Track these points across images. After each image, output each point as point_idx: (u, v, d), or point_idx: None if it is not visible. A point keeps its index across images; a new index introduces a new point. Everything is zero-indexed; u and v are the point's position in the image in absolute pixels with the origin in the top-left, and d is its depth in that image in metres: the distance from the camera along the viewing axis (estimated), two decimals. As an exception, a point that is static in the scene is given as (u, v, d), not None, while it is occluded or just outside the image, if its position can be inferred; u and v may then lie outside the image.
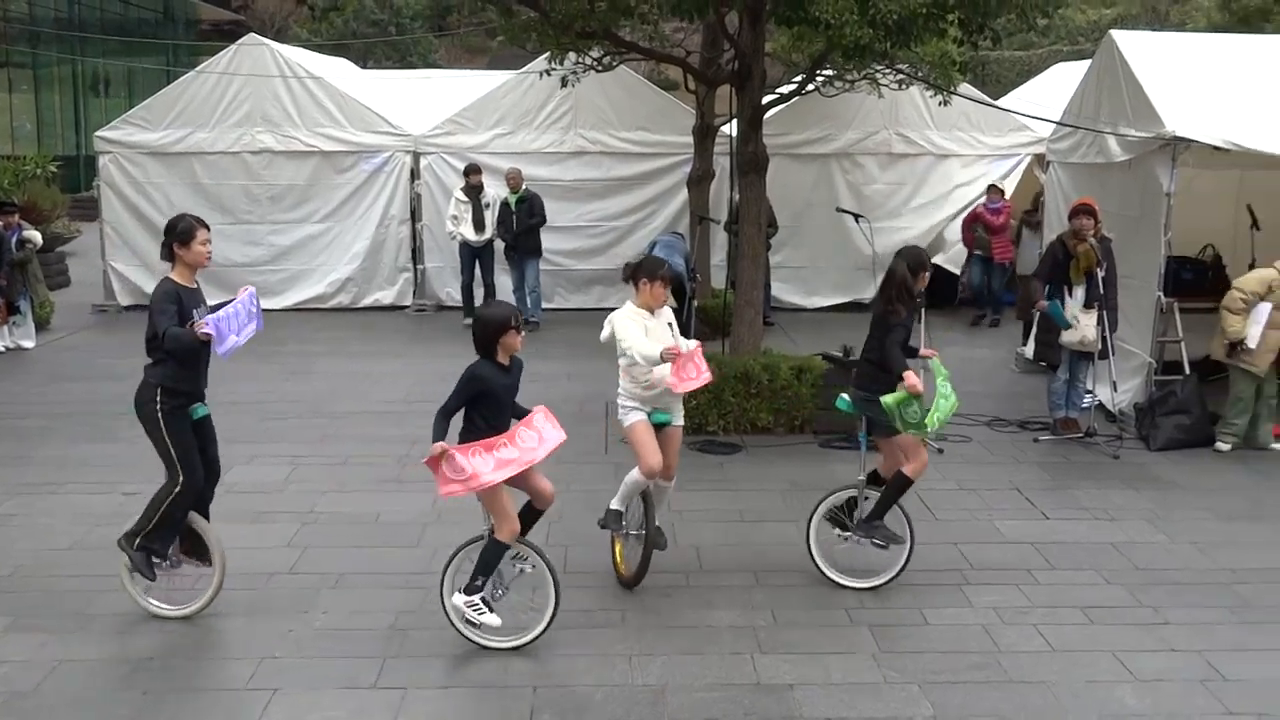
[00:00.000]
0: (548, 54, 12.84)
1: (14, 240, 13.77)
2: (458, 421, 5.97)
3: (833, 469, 9.41)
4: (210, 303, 6.43)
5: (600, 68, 13.50)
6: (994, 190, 15.92)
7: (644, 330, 6.67)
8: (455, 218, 15.27)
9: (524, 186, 15.31)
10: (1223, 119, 10.09)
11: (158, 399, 6.21)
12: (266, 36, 20.21)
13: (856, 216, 12.09)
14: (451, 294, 16.45)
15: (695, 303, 11.13)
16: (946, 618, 6.62)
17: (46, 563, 7.30)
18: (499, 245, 15.45)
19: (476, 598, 6.00)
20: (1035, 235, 14.92)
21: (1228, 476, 9.36)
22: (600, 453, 9.73)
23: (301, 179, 16.51)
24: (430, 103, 17.42)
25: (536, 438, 6.00)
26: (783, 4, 9.83)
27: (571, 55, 12.66)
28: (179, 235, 6.31)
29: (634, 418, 6.75)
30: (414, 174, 16.54)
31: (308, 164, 16.49)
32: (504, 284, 15.81)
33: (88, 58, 32.47)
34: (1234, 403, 9.94)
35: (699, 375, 6.81)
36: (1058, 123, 12.79)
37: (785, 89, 12.81)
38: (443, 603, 6.16)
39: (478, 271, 15.47)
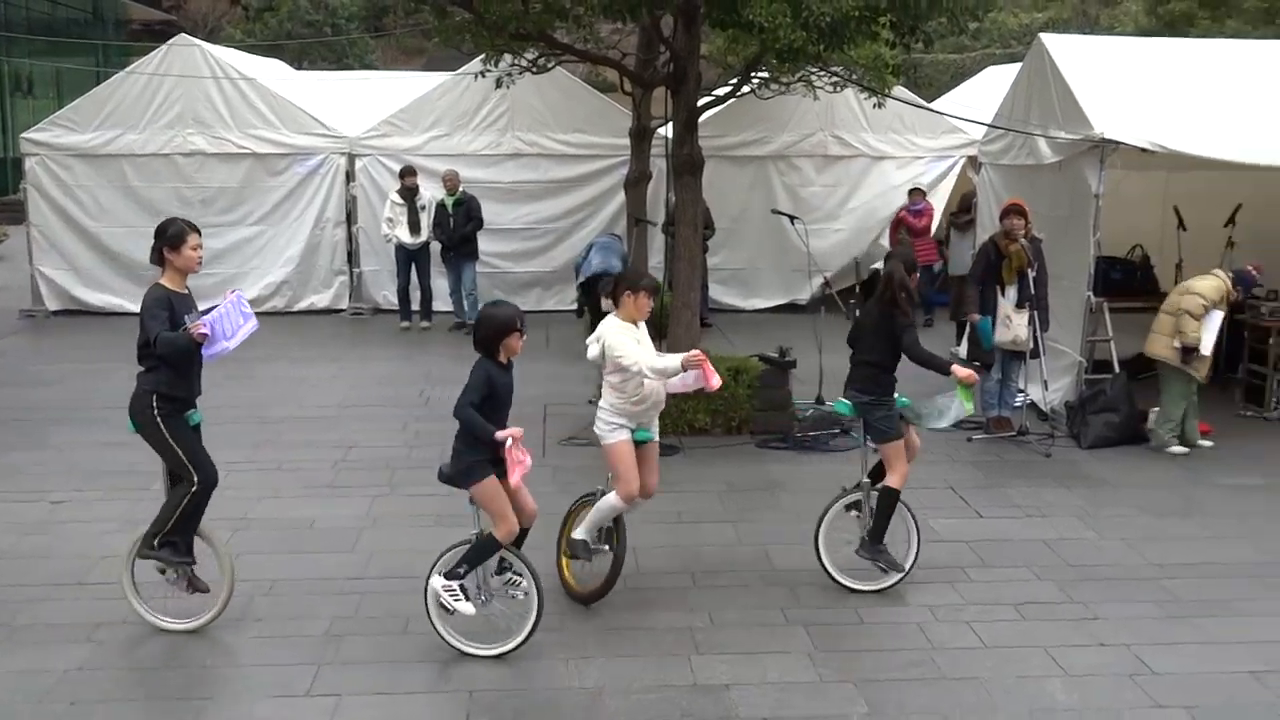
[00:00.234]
0: (483, 56, 12.79)
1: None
2: (452, 422, 5.97)
3: (769, 470, 9.46)
4: (201, 307, 6.34)
5: (536, 70, 13.47)
6: (916, 192, 16.02)
7: (635, 342, 6.55)
8: (390, 220, 15.17)
9: (461, 189, 15.24)
10: (1149, 121, 10.28)
11: (154, 405, 6.13)
12: (199, 37, 19.93)
13: (791, 218, 12.15)
14: (388, 297, 16.32)
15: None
16: (882, 616, 6.68)
17: (-29, 573, 7.15)
18: (435, 248, 15.37)
19: (455, 584, 5.99)
20: (964, 237, 15.05)
21: (1156, 473, 9.52)
22: (539, 456, 9.69)
23: (234, 181, 16.29)
24: (366, 104, 17.24)
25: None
26: (717, 7, 9.87)
27: (507, 57, 12.62)
28: (169, 239, 6.19)
29: (619, 436, 6.55)
30: (349, 176, 16.40)
31: (240, 166, 16.27)
32: (440, 286, 15.72)
33: (14, 58, 31.84)
34: (1174, 403, 10.04)
35: (713, 375, 6.57)
36: (989, 125, 12.95)
37: (721, 91, 12.86)
38: (426, 608, 6.10)
39: (414, 274, 15.38)
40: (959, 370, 6.80)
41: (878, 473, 7.07)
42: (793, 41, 9.16)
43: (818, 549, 7.03)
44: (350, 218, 16.46)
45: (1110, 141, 10.06)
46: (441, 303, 15.71)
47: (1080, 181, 10.46)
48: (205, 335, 5.93)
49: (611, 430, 6.58)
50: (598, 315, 11.12)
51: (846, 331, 7.42)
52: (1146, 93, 10.78)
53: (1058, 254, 10.60)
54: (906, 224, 15.83)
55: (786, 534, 7.89)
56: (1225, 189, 12.24)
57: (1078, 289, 10.57)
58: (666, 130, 12.50)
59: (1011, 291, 10.25)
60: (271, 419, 10.89)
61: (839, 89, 14.06)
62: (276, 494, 8.74)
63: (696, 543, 7.80)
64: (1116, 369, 10.62)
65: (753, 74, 12.66)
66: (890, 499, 6.89)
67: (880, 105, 13.84)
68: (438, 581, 6.02)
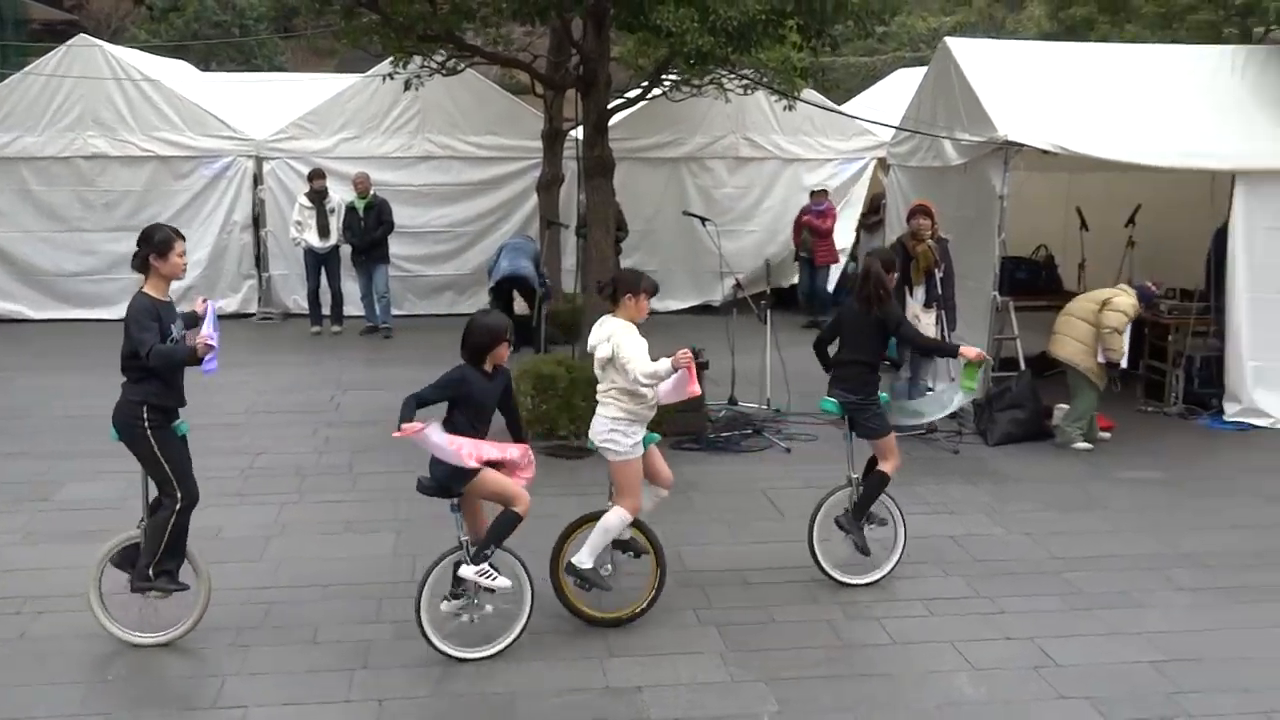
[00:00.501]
0: (391, 58, 12.67)
1: None
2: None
3: (682, 471, 9.43)
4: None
5: (445, 71, 13.37)
6: (819, 193, 16.14)
7: (644, 348, 6.39)
8: (299, 223, 14.97)
9: (372, 191, 15.08)
10: (1051, 124, 10.49)
11: (144, 417, 6.03)
12: (102, 37, 19.51)
13: (703, 220, 12.20)
14: (299, 301, 16.10)
15: (546, 308, 11.10)
16: (793, 615, 6.73)
17: None
18: (346, 251, 15.20)
19: (485, 564, 5.95)
20: (873, 237, 15.22)
21: (1060, 468, 9.71)
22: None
23: (138, 185, 15.95)
24: (273, 106, 16.99)
25: (522, 458, 6.14)
26: (625, 10, 9.88)
27: (416, 59, 12.51)
28: (156, 246, 6.09)
29: (640, 451, 6.33)
30: (257, 179, 16.15)
31: (144, 169, 15.95)
32: (351, 290, 15.55)
33: (-93, 58, 30.91)
34: (1085, 405, 10.21)
35: (693, 382, 6.49)
36: (896, 127, 13.12)
37: (632, 94, 12.87)
38: (418, 616, 6.01)
39: (324, 278, 15.20)
40: (968, 350, 6.94)
41: (870, 469, 7.22)
42: (701, 45, 9.21)
43: (812, 547, 7.13)
44: (258, 221, 16.21)
45: (1013, 143, 10.26)
46: (353, 307, 15.55)
47: (985, 183, 10.64)
48: (213, 348, 5.83)
49: (634, 444, 6.35)
50: (511, 318, 11.07)
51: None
52: (1049, 96, 11.01)
53: (964, 254, 10.76)
54: (810, 225, 15.94)
55: (699, 535, 7.92)
56: (1125, 190, 12.53)
57: (984, 288, 10.75)
58: (578, 132, 12.50)
59: (919, 291, 10.39)
60: (177, 427, 10.64)
61: (749, 91, 14.15)
62: (182, 503, 8.53)
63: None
64: (1022, 366, 10.81)
65: (663, 76, 12.68)
66: (882, 482, 7.06)
67: (790, 108, 13.92)
68: (469, 570, 5.94)
